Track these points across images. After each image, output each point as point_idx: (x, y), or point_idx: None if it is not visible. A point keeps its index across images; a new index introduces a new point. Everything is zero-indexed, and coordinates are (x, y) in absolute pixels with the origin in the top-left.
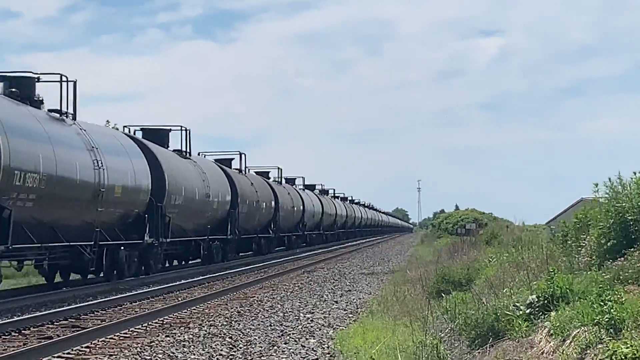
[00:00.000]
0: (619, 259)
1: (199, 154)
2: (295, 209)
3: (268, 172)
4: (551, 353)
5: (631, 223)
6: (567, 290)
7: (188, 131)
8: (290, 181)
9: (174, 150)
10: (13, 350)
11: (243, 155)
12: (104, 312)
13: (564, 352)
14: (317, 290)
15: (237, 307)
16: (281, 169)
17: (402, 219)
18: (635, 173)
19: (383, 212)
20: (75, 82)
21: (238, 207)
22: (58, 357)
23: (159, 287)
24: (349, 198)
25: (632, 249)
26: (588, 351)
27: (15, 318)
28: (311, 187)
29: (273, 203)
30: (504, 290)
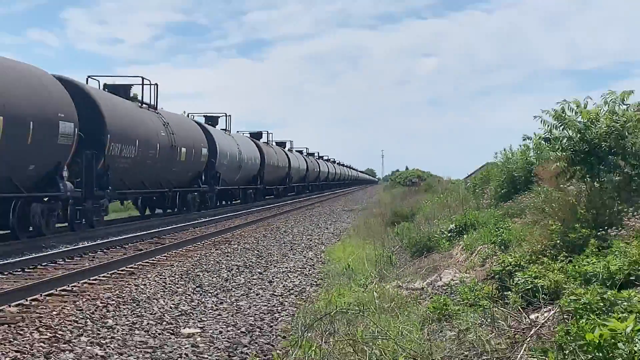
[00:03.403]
0: (508, 201)
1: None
2: (280, 164)
3: (285, 143)
4: (463, 261)
5: (516, 178)
6: (475, 221)
7: (229, 117)
8: (282, 144)
9: (223, 129)
10: (116, 258)
11: (229, 117)
12: (176, 234)
13: (472, 260)
14: (315, 220)
15: (262, 232)
16: (292, 142)
17: (370, 174)
18: (520, 145)
19: (358, 170)
20: (157, 85)
21: (264, 167)
22: (145, 262)
23: (211, 218)
24: (332, 159)
25: (516, 195)
26: (487, 260)
27: (119, 237)
28: (300, 150)
29: (258, 161)
30: (434, 221)
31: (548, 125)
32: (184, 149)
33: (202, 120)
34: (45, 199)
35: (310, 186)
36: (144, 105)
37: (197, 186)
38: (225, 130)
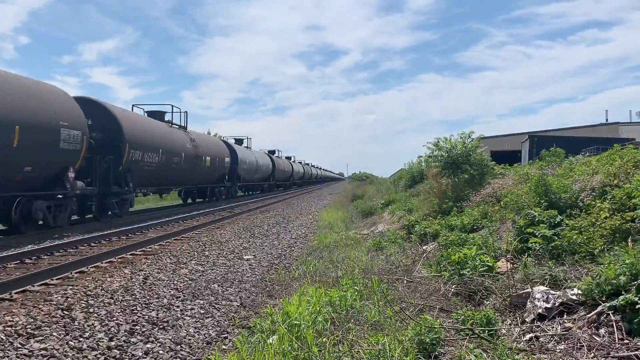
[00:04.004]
0: (411, 188)
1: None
2: (286, 169)
3: (290, 157)
4: (388, 219)
5: (415, 176)
6: (395, 198)
7: (250, 139)
8: (288, 158)
9: (244, 145)
10: (209, 220)
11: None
12: (238, 208)
13: (392, 219)
14: (312, 199)
15: (284, 206)
16: (294, 156)
17: (341, 175)
18: (418, 157)
19: (334, 172)
20: (186, 112)
21: (275, 171)
22: (224, 222)
23: (258, 198)
24: (311, 164)
25: (415, 185)
26: (401, 219)
27: (194, 212)
28: (288, 158)
29: (270, 166)
30: (374, 199)
31: (430, 149)
32: (208, 158)
33: (232, 141)
34: (59, 196)
35: (305, 182)
36: (173, 125)
37: (222, 183)
38: (247, 147)
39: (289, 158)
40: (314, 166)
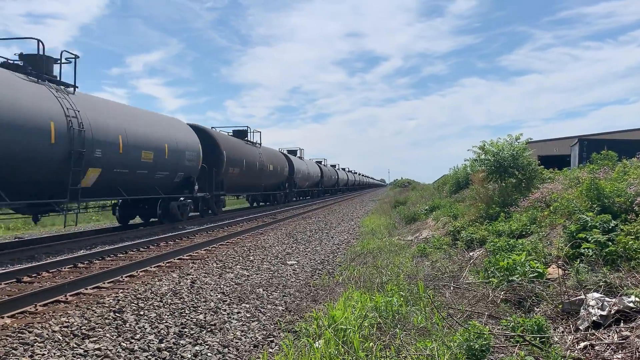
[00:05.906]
0: (456, 194)
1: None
2: (332, 177)
3: (335, 165)
4: (433, 225)
5: (460, 181)
6: (439, 204)
7: (302, 150)
8: (333, 166)
9: (297, 156)
10: (252, 226)
11: (302, 150)
12: (284, 213)
13: (437, 225)
14: (353, 205)
15: (326, 212)
16: (325, 159)
17: (381, 181)
18: (464, 161)
19: (375, 179)
20: (261, 132)
21: (323, 178)
22: (268, 227)
23: (300, 205)
24: (353, 170)
25: (460, 190)
26: (446, 225)
27: (242, 217)
28: (333, 166)
29: (319, 174)
30: (417, 205)
31: (476, 153)
32: (314, 172)
33: (316, 159)
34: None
35: (349, 188)
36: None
37: (317, 188)
38: (300, 157)
39: (333, 166)
40: (355, 173)
